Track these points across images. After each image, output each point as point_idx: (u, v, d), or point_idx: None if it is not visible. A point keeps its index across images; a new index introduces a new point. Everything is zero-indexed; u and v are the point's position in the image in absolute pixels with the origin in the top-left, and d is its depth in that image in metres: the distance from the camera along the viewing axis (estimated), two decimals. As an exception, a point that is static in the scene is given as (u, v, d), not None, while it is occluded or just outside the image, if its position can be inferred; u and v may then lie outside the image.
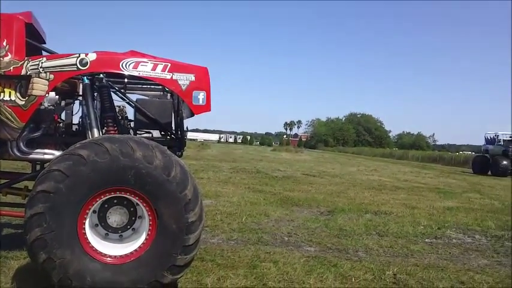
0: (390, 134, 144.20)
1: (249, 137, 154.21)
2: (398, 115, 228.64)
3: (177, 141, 5.18)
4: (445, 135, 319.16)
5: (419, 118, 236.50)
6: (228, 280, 4.80)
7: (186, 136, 5.46)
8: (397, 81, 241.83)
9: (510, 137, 34.81)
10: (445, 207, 12.04)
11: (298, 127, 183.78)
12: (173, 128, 5.22)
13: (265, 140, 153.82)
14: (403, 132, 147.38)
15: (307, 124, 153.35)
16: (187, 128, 5.50)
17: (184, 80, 4.75)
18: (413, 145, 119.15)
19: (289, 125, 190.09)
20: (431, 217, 10.24)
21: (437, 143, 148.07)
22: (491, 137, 36.70)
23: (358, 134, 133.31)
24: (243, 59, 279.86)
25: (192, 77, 4.78)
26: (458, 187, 19.78)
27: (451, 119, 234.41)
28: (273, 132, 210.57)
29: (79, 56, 4.50)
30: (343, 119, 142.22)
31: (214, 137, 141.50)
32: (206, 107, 4.89)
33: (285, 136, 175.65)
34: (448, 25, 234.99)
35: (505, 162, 31.97)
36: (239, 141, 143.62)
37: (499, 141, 35.24)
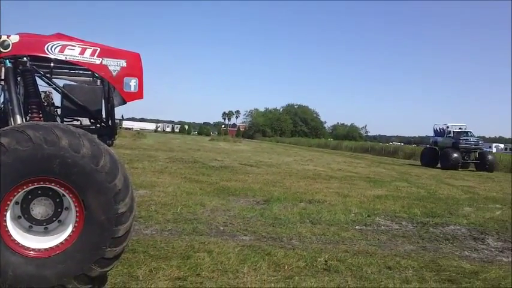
0: (325, 125, 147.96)
1: (186, 127, 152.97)
2: (333, 107, 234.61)
3: (107, 130, 4.99)
4: (377, 127, 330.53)
5: (353, 110, 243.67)
6: (161, 271, 4.71)
7: (120, 125, 5.28)
8: (332, 73, 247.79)
9: (460, 129, 34.04)
10: (375, 196, 12.49)
11: (237, 117, 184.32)
12: (103, 116, 5.03)
13: (203, 129, 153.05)
14: (338, 123, 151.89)
15: (245, 114, 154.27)
16: (122, 116, 5.33)
17: (114, 65, 4.58)
18: (347, 136, 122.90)
19: (227, 114, 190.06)
20: (362, 205, 10.59)
21: (369, 134, 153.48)
22: (441, 128, 35.45)
23: (295, 125, 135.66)
24: (182, 47, 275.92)
25: (123, 63, 4.62)
26: (388, 176, 20.59)
27: (382, 111, 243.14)
28: (211, 122, 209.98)
29: (0, 37, 4.23)
30: (281, 110, 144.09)
31: (151, 126, 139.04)
32: (138, 94, 4.74)
33: (223, 126, 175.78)
34: (381, 16, 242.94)
35: (455, 155, 30.64)
36: (177, 130, 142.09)
37: (449, 133, 34.08)
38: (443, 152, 32.15)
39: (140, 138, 46.49)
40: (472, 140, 32.39)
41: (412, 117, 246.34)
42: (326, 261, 5.57)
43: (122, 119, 5.40)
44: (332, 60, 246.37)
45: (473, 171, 30.67)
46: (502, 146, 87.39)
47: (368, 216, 9.18)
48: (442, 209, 10.90)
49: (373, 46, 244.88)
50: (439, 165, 32.18)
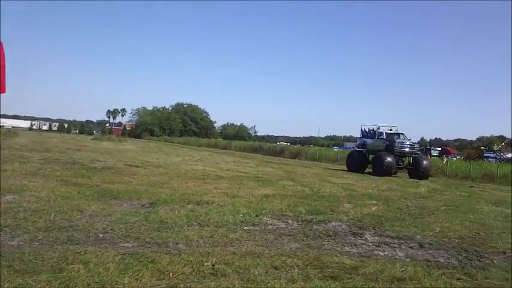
0: (215, 125, 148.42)
1: (66, 125, 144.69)
2: (223, 107, 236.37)
3: None
4: (265, 127, 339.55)
5: (242, 110, 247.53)
6: (28, 288, 4.27)
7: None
8: (221, 73, 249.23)
9: (390, 130, 30.70)
10: (263, 195, 12.69)
11: (123, 115, 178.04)
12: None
13: (85, 128, 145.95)
14: (227, 123, 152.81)
15: (131, 113, 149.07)
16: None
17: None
18: (236, 136, 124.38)
19: (112, 113, 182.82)
20: (250, 205, 10.67)
21: (258, 134, 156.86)
22: (370, 129, 31.64)
23: (185, 124, 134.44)
24: (61, 39, 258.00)
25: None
26: (275, 175, 21.13)
27: (271, 112, 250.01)
28: (95, 120, 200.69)
29: None
30: (170, 109, 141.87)
31: (25, 124, 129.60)
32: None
33: (107, 125, 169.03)
34: (266, 17, 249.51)
35: (389, 159, 27.13)
36: (55, 129, 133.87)
37: (380, 135, 30.29)
38: (376, 156, 28.57)
39: (11, 137, 42.77)
40: (407, 143, 29.13)
41: (297, 119, 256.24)
42: (213, 265, 5.48)
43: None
44: (222, 61, 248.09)
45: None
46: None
47: (256, 216, 9.26)
48: (325, 206, 11.37)
49: (260, 47, 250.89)
50: (368, 170, 29.51)
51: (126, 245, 6.35)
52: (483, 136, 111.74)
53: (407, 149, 28.60)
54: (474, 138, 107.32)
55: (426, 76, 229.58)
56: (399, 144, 28.43)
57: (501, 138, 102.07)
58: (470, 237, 8.54)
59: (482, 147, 77.28)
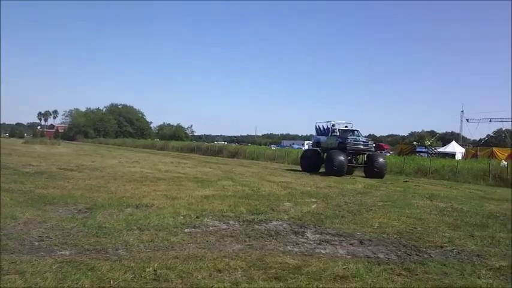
0: (152, 125, 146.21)
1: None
2: (159, 107, 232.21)
3: None
4: (202, 127, 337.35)
5: (179, 110, 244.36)
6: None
7: None
8: (156, 73, 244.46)
9: (346, 127, 28.95)
10: (203, 196, 12.57)
11: (55, 117, 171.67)
12: None
13: (15, 131, 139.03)
14: (164, 123, 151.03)
15: (64, 114, 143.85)
16: None
17: None
18: (173, 136, 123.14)
19: (43, 115, 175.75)
20: (191, 206, 10.53)
21: (195, 133, 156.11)
22: (324, 126, 29.52)
23: (120, 125, 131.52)
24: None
25: None
26: (214, 175, 21.01)
27: (207, 111, 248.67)
28: (25, 123, 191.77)
29: None
30: (104, 110, 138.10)
31: None
32: None
33: (39, 127, 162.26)
34: (189, 17, 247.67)
35: (341, 158, 25.07)
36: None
37: (334, 131, 28.35)
38: (328, 154, 26.50)
39: None
40: (360, 139, 27.22)
41: (234, 118, 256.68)
42: (155, 270, 5.31)
43: None
44: (157, 60, 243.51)
45: (362, 177, 25.92)
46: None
47: (197, 217, 9.14)
48: (265, 205, 11.40)
49: (195, 46, 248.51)
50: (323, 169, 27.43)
51: (63, 252, 6.07)
52: (415, 131, 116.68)
53: (360, 146, 26.81)
54: (406, 134, 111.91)
55: (360, 73, 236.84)
56: (352, 142, 26.50)
57: (432, 133, 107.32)
58: (408, 232, 8.81)
59: (414, 143, 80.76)
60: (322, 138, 29.13)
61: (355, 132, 28.14)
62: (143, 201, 10.91)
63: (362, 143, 27.01)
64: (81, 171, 18.89)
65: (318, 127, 30.18)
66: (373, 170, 25.77)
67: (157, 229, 7.80)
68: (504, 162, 32.79)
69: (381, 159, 26.49)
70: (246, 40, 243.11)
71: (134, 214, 9.07)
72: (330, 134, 28.40)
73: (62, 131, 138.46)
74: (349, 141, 26.41)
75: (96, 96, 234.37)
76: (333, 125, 28.73)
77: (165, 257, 5.98)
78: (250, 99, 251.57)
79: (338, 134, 28.00)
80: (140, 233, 7.45)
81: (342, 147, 26.27)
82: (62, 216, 8.61)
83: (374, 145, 28.07)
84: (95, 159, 28.90)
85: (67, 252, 6.09)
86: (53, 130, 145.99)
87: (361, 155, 27.57)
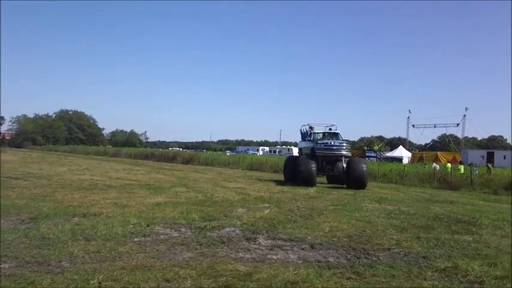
0: (104, 132, 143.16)
1: None
2: (112, 113, 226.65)
3: None
4: (156, 133, 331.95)
5: (132, 116, 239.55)
6: None
7: None
8: (107, 78, 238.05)
9: (329, 130, 25.49)
10: (155, 203, 12.35)
11: (1, 124, 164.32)
12: None
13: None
14: (117, 130, 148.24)
15: (11, 121, 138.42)
16: None
17: None
18: (126, 142, 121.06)
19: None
20: (141, 214, 10.30)
21: (149, 140, 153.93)
22: (306, 130, 26.14)
23: (71, 132, 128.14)
24: None
25: None
26: (167, 182, 20.75)
27: (162, 117, 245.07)
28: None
29: None
30: (54, 116, 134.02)
31: None
32: None
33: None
34: (151, 19, 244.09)
35: (309, 166, 21.92)
36: None
37: (310, 135, 25.23)
38: (297, 161, 23.53)
39: None
40: (333, 143, 23.24)
41: (189, 124, 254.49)
42: (100, 282, 5.12)
43: None
44: (107, 65, 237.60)
45: (341, 188, 22.37)
46: (267, 148, 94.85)
47: (147, 226, 8.95)
48: (218, 212, 11.33)
49: (148, 51, 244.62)
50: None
51: (3, 266, 5.77)
52: (364, 137, 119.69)
53: (332, 152, 22.89)
54: (356, 139, 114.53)
55: (312, 78, 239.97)
56: (322, 146, 22.96)
57: (380, 138, 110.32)
58: (357, 235, 8.96)
59: (364, 147, 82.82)
60: (303, 144, 26.31)
61: (333, 135, 24.52)
62: (91, 210, 10.59)
63: (335, 147, 22.96)
64: (26, 180, 18.19)
65: (301, 131, 26.71)
66: (351, 179, 22.25)
67: (104, 239, 7.56)
68: (435, 165, 34.37)
69: (360, 166, 22.53)
70: (200, 44, 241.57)
71: (81, 224, 8.77)
72: (308, 138, 25.35)
73: (9, 138, 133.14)
74: (318, 145, 23.10)
75: (45, 102, 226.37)
76: (311, 128, 25.43)
77: (111, 268, 5.78)
78: (204, 104, 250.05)
79: (312, 138, 24.75)
80: (86, 243, 7.20)
81: (314, 153, 23.15)
82: (3, 227, 8.19)
83: (349, 149, 23.83)
84: (43, 167, 27.96)
85: (7, 265, 5.78)
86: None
87: (339, 162, 23.18)
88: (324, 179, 25.88)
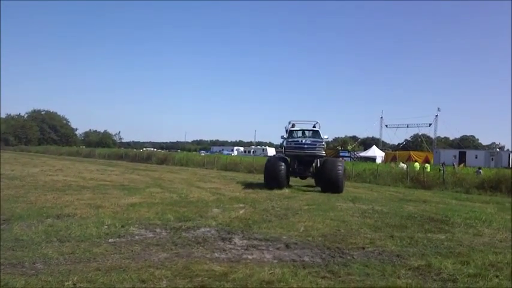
0: (77, 132, 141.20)
1: None
2: (85, 113, 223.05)
3: None
4: (130, 133, 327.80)
5: (105, 117, 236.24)
6: None
7: None
8: (80, 77, 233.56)
9: (314, 127, 22.91)
10: (129, 204, 12.28)
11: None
12: None
13: None
14: (90, 130, 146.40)
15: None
16: None
17: None
18: (100, 143, 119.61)
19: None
20: (116, 215, 10.24)
21: (123, 140, 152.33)
22: (287, 128, 23.29)
23: (43, 132, 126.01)
24: None
25: None
26: (142, 182, 20.60)
27: (135, 117, 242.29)
28: None
29: None
30: (26, 116, 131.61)
31: None
32: None
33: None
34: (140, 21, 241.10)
35: (277, 166, 20.01)
36: None
37: (291, 133, 22.56)
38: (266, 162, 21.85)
39: None
40: (304, 141, 20.95)
41: (163, 124, 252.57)
42: (74, 284, 5.12)
43: None
44: (80, 64, 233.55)
45: (317, 191, 20.09)
46: (242, 149, 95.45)
47: (122, 226, 8.91)
48: (193, 212, 11.32)
49: (120, 49, 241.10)
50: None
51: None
52: (338, 137, 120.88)
53: (303, 151, 20.54)
54: (330, 139, 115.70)
55: (286, 77, 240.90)
56: (292, 144, 20.87)
57: (354, 138, 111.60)
58: (332, 235, 9.07)
59: (338, 147, 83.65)
60: (284, 143, 23.04)
61: (314, 133, 22.25)
62: (65, 211, 10.47)
63: (306, 146, 20.57)
64: (-2, 181, 17.83)
65: (285, 129, 23.44)
66: (325, 182, 20.01)
67: (79, 240, 7.51)
68: (403, 165, 35.23)
69: (335, 168, 19.90)
70: (175, 43, 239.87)
71: (55, 225, 8.67)
72: (284, 137, 22.77)
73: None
74: (288, 144, 21.19)
75: (16, 102, 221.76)
76: (293, 126, 22.97)
77: (86, 269, 5.77)
78: (178, 104, 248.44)
79: (287, 136, 22.36)
80: (60, 244, 7.14)
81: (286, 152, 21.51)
82: (-26, 229, 8.07)
83: (322, 148, 21.26)
84: (15, 168, 27.38)
85: (-22, 268, 5.71)
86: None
87: (314, 162, 21.16)
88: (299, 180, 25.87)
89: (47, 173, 23.98)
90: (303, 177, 22.57)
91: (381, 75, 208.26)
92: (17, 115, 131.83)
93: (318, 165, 21.05)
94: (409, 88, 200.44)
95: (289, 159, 21.38)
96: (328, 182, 19.75)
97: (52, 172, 25.23)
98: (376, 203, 15.40)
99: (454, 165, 36.25)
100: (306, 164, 21.25)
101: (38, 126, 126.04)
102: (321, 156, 21.25)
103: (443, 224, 11.11)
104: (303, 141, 21.11)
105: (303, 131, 22.96)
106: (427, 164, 36.82)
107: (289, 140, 21.48)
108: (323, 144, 21.55)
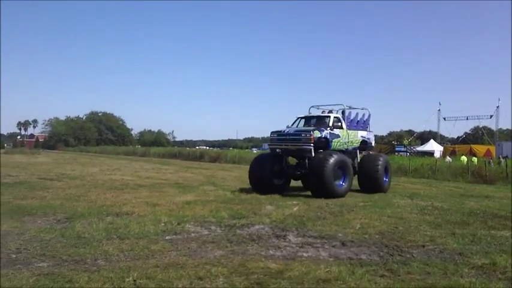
0: (132, 132, 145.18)
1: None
2: (139, 113, 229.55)
3: None
4: (183, 132, 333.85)
5: (160, 116, 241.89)
6: None
7: None
8: (135, 79, 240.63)
9: (329, 111, 18.06)
10: (184, 202, 12.47)
11: (34, 127, 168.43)
12: None
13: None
14: (145, 129, 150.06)
15: (44, 123, 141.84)
16: None
17: None
18: (154, 142, 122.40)
19: (23, 124, 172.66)
20: (172, 213, 10.42)
21: (177, 139, 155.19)
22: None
23: (100, 133, 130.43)
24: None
25: None
26: (196, 180, 20.93)
27: (188, 116, 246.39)
28: (5, 133, 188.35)
29: None
30: (84, 118, 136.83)
31: None
32: None
33: (19, 137, 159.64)
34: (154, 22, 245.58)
35: (264, 165, 16.61)
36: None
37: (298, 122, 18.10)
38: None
39: None
40: (287, 132, 16.78)
41: (215, 122, 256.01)
42: (135, 280, 5.21)
43: None
44: (135, 67, 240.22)
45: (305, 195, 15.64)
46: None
47: (178, 224, 9.05)
48: (247, 209, 11.34)
49: (173, 50, 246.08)
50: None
51: (41, 264, 5.92)
52: (393, 131, 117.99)
53: (287, 144, 16.51)
54: (385, 134, 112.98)
55: (339, 71, 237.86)
56: (275, 136, 16.96)
57: (410, 132, 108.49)
58: (389, 232, 8.83)
59: (393, 142, 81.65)
60: None
61: (319, 120, 17.37)
62: (123, 209, 10.77)
63: (289, 137, 16.47)
64: (61, 181, 18.61)
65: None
66: (364, 180, 17.45)
67: (137, 237, 7.69)
68: (449, 159, 33.91)
69: (375, 163, 17.35)
70: (228, 42, 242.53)
71: (114, 223, 8.94)
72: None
73: (42, 140, 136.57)
74: (272, 135, 17.11)
75: (75, 104, 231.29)
76: (310, 112, 18.78)
77: (145, 266, 5.88)
78: (230, 103, 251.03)
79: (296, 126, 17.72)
80: (120, 242, 7.33)
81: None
82: (41, 227, 8.44)
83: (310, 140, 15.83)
84: (75, 168, 28.54)
85: (45, 264, 5.95)
86: (33, 140, 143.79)
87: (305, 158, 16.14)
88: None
89: (105, 172, 24.84)
90: (295, 178, 17.49)
91: (437, 64, 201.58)
92: (76, 117, 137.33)
93: (307, 162, 15.90)
94: (467, 78, 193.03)
95: (286, 157, 17.27)
96: (368, 181, 17.22)
97: (110, 171, 26.11)
98: (435, 199, 14.90)
99: (500, 158, 34.86)
100: (298, 161, 17.05)
101: (95, 128, 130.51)
102: (308, 151, 15.89)
103: (507, 221, 10.58)
104: (287, 131, 16.82)
105: (307, 118, 17.94)
106: (474, 158, 35.40)
107: (274, 131, 17.12)
108: (310, 135, 15.83)
